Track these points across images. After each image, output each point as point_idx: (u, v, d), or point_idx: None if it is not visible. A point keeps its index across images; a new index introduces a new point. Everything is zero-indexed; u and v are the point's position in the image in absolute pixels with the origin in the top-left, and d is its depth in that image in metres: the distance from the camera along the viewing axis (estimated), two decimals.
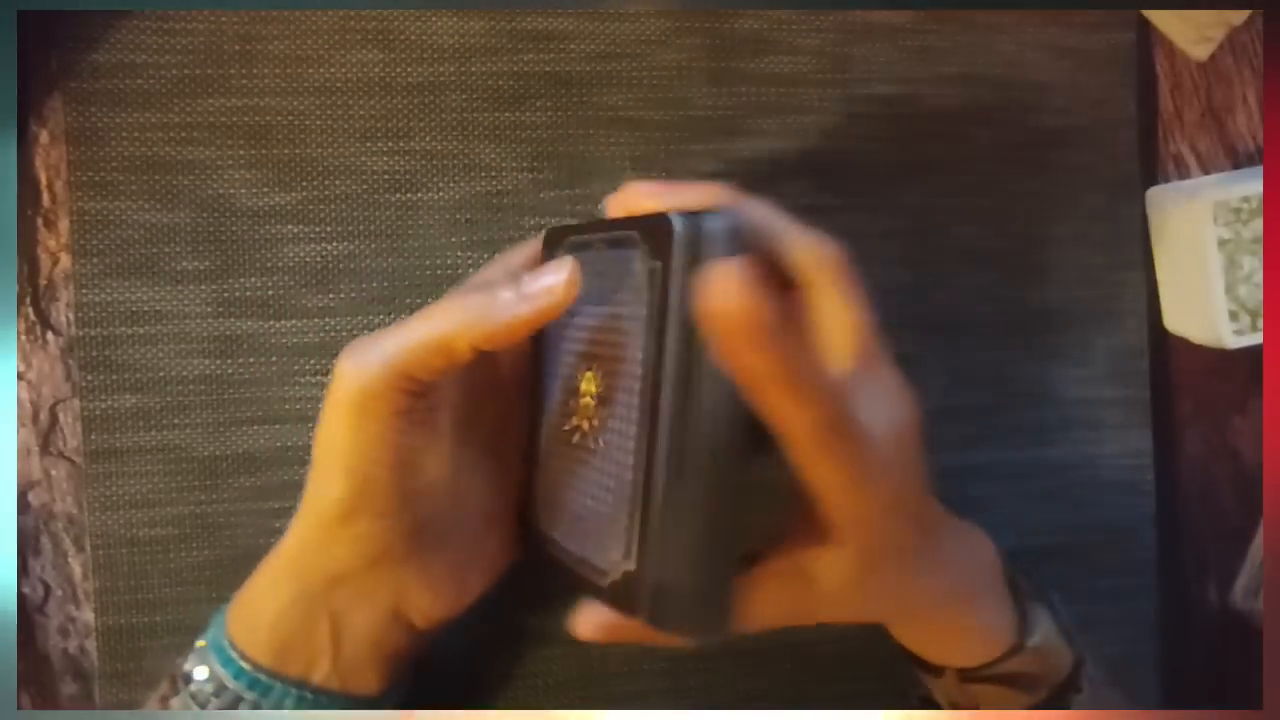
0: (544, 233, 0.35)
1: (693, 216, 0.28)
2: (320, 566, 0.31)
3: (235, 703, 0.31)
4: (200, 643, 0.33)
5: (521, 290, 0.29)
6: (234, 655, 0.31)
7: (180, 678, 0.32)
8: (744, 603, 0.30)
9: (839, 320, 0.30)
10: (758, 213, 0.30)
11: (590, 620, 0.30)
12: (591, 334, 0.32)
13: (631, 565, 0.28)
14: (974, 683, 0.35)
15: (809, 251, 0.30)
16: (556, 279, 0.29)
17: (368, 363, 0.29)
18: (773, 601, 0.31)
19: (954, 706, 0.36)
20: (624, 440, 0.29)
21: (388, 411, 0.29)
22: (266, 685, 0.31)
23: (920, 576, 0.33)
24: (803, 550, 0.30)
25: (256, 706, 0.31)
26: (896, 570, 0.32)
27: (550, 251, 0.35)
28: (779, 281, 0.30)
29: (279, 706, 0.31)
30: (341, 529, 0.30)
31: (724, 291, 0.24)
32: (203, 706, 0.31)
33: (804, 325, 0.30)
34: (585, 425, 0.32)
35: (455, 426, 0.32)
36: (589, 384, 0.32)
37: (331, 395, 0.30)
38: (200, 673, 0.32)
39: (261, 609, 0.32)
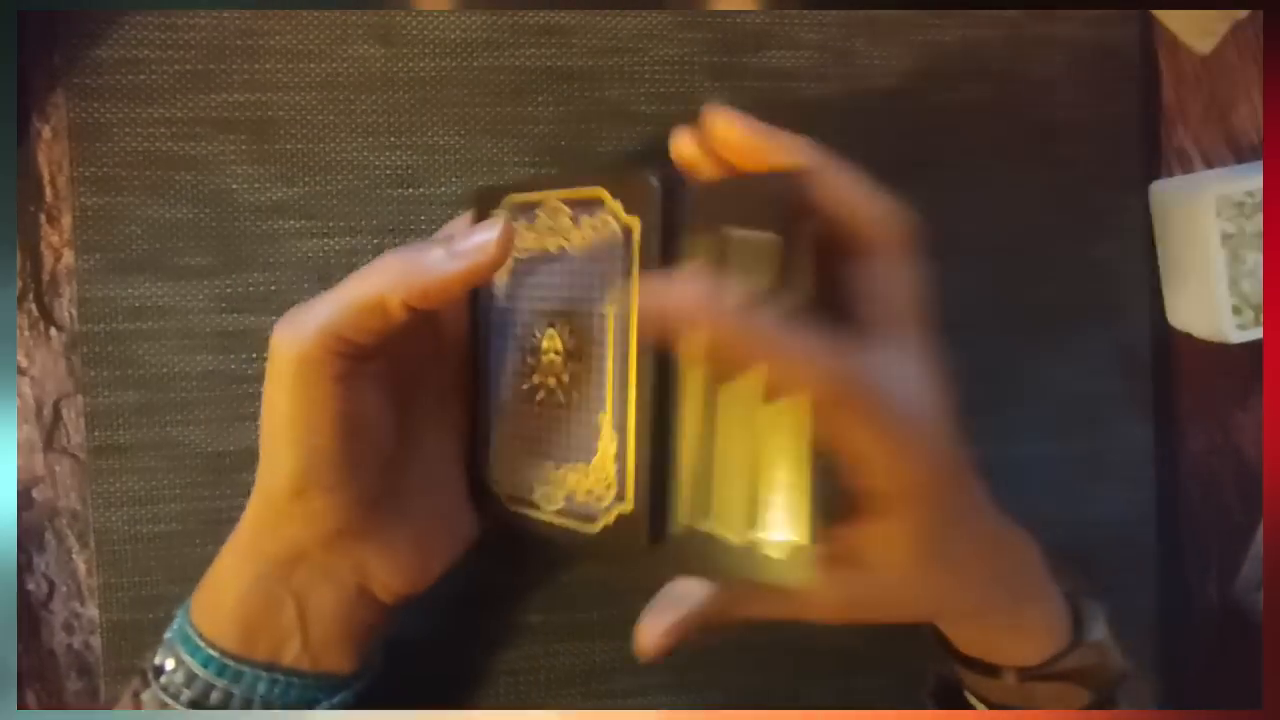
0: (474, 192, 0.35)
1: (671, 177, 0.29)
2: (277, 547, 0.31)
3: (207, 691, 0.31)
4: (167, 634, 0.33)
5: (453, 248, 0.28)
6: (200, 643, 0.31)
7: (150, 670, 0.32)
8: (804, 592, 0.29)
9: (891, 291, 0.30)
10: (831, 176, 0.30)
11: (654, 630, 0.31)
12: (553, 291, 0.32)
13: (627, 507, 0.29)
14: (1034, 681, 0.34)
15: (877, 220, 0.30)
16: (488, 236, 0.28)
17: (301, 329, 0.28)
18: (830, 588, 0.30)
19: (1004, 707, 0.35)
20: (601, 391, 0.30)
21: (326, 377, 0.29)
22: (236, 671, 0.31)
23: (981, 566, 0.32)
24: (858, 534, 0.29)
25: (228, 694, 0.31)
26: (955, 554, 0.31)
27: (483, 213, 0.34)
28: (842, 248, 0.30)
29: (251, 691, 0.31)
30: (293, 506, 0.30)
31: (664, 291, 0.25)
32: (174, 698, 0.31)
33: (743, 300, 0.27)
34: (552, 382, 0.32)
35: (400, 393, 0.32)
36: (552, 340, 0.32)
37: (270, 367, 0.29)
38: (169, 664, 0.32)
39: (223, 594, 0.32)
